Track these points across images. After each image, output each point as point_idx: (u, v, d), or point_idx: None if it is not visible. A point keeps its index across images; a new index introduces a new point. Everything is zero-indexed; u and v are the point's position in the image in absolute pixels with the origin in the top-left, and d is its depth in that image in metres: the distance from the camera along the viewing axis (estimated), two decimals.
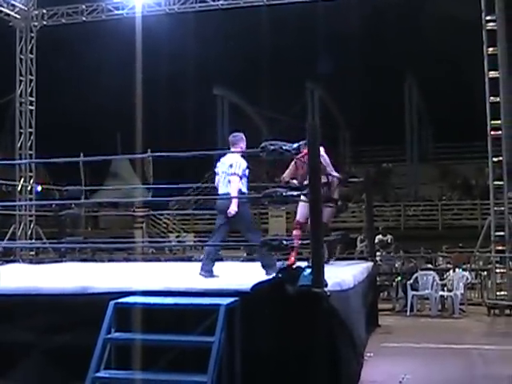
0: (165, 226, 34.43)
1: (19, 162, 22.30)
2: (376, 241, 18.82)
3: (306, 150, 10.69)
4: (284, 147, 8.42)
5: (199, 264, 10.12)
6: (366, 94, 34.67)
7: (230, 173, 9.68)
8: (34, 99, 23.29)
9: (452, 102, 33.46)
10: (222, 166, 9.91)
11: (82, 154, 17.09)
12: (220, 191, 9.87)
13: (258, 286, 7.74)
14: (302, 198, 10.58)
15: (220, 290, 7.84)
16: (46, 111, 23.94)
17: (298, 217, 12.00)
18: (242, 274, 10.24)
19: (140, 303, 7.54)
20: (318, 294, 7.59)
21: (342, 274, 9.39)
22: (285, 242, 8.50)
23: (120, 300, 7.54)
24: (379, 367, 9.79)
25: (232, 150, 9.92)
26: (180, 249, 26.21)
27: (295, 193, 8.62)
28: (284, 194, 8.46)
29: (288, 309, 7.57)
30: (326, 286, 7.75)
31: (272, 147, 8.40)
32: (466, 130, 32.54)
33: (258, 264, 9.75)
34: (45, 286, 8.65)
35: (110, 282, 8.59)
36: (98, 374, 7.10)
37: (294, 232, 11.97)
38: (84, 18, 22.80)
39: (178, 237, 32.85)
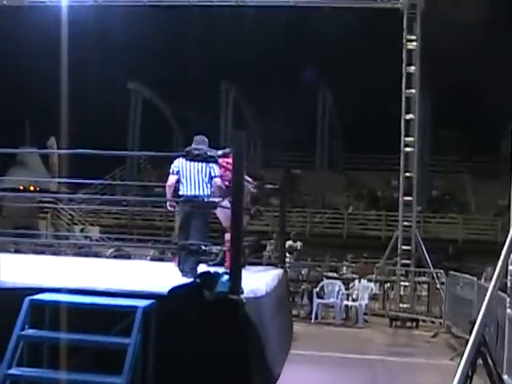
0: (70, 217, 34.00)
1: None
2: (286, 246, 18.99)
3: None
4: (208, 153, 8.48)
5: (110, 261, 10.08)
6: (279, 97, 34.96)
7: (212, 176, 9.71)
8: None
9: (364, 114, 34.04)
10: (189, 168, 9.72)
11: None
12: (189, 192, 9.67)
13: (176, 290, 7.78)
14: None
15: (137, 292, 7.81)
16: None
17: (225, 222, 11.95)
18: (156, 275, 10.21)
19: (56, 301, 7.47)
20: (235, 300, 7.67)
21: (255, 282, 9.45)
22: (203, 248, 8.56)
23: (35, 297, 7.45)
24: (289, 374, 9.88)
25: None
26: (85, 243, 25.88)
27: (217, 199, 8.66)
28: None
29: (204, 314, 7.63)
30: (242, 293, 7.84)
31: (196, 152, 8.46)
32: (374, 143, 33.21)
33: (171, 265, 9.76)
34: None
35: (25, 278, 8.43)
36: (10, 371, 7.00)
37: (226, 236, 11.97)
38: (5, 2, 22.34)
39: (82, 230, 32.52)
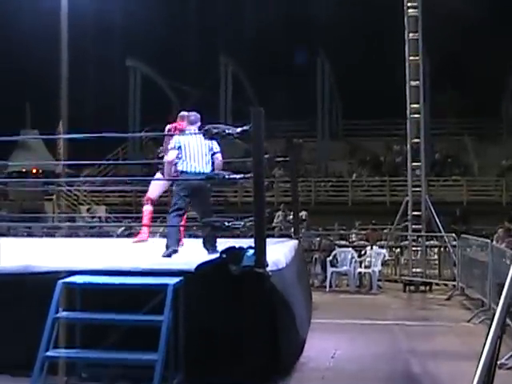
0: (75, 198, 34.09)
1: None
2: (290, 217, 19.15)
3: (178, 124, 11.05)
4: (227, 130, 8.61)
5: (126, 240, 10.20)
6: (278, 69, 35.01)
7: (214, 152, 9.75)
8: None
9: (362, 81, 34.05)
10: (193, 143, 9.69)
11: None
12: (192, 168, 9.59)
13: (203, 266, 7.93)
14: (158, 175, 11.34)
15: (165, 270, 7.98)
16: None
17: (151, 193, 11.90)
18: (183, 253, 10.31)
19: (88, 283, 7.63)
20: (261, 274, 7.84)
21: (275, 254, 9.59)
22: (226, 224, 8.71)
23: (67, 280, 7.61)
24: (309, 343, 10.04)
25: (193, 128, 9.90)
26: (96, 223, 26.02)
27: (237, 176, 8.79)
28: (227, 176, 8.66)
29: (232, 288, 7.80)
30: (267, 266, 8.00)
31: (215, 130, 8.58)
32: (374, 109, 33.31)
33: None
34: None
35: (54, 261, 8.59)
36: (48, 353, 7.17)
37: (146, 207, 11.97)
38: None
39: (89, 209, 32.61)
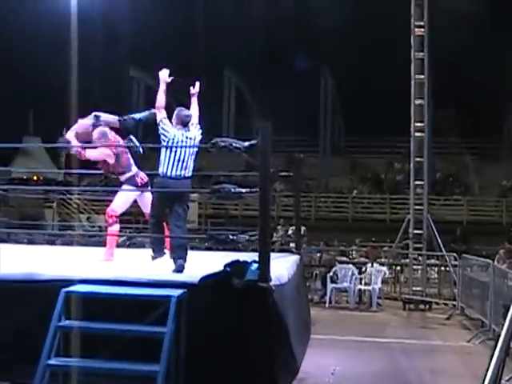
0: (75, 206, 34.09)
1: None
2: (290, 232, 19.15)
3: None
4: (234, 144, 8.61)
5: (128, 250, 10.10)
6: (280, 83, 35.07)
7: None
8: None
9: (365, 98, 34.15)
10: (182, 141, 8.96)
11: None
12: (174, 171, 8.86)
13: (206, 279, 7.92)
14: (125, 187, 10.29)
15: (168, 282, 7.96)
16: None
17: (117, 207, 10.43)
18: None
19: (91, 292, 7.62)
20: (265, 288, 7.82)
21: (278, 268, 9.57)
22: (231, 237, 8.71)
23: (71, 288, 7.58)
24: (309, 359, 10.02)
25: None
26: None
27: (243, 190, 8.76)
28: (233, 190, 8.64)
29: (234, 302, 7.77)
30: (271, 280, 7.99)
31: (222, 143, 8.58)
32: (376, 126, 33.35)
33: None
34: None
35: (56, 269, 8.58)
36: (50, 362, 7.14)
37: (111, 221, 10.55)
38: None
39: (89, 218, 32.61)
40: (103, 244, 11.43)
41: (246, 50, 34.73)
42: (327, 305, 17.19)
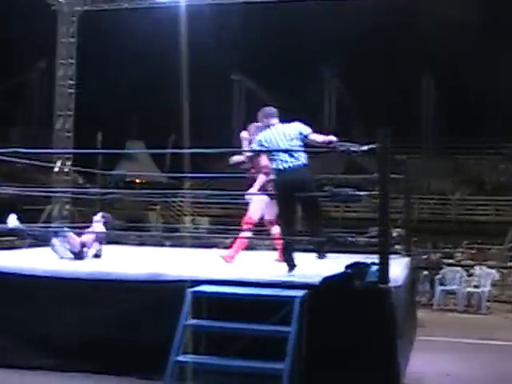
0: (179, 209, 34.68)
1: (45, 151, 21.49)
2: (394, 234, 19.06)
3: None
4: (352, 148, 8.75)
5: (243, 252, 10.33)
6: (382, 88, 35.04)
7: (306, 134, 9.04)
8: (73, 82, 23.35)
9: (467, 100, 33.85)
10: (275, 138, 8.96)
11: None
12: (285, 165, 8.89)
13: (328, 280, 8.07)
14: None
15: (289, 282, 8.17)
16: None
17: (254, 214, 10.58)
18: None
19: (217, 292, 7.88)
20: (384, 289, 7.94)
21: (394, 270, 9.66)
22: (349, 239, 8.85)
23: (197, 289, 7.86)
24: (423, 360, 10.05)
25: (275, 121, 9.22)
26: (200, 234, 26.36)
27: (362, 193, 8.91)
28: (350, 193, 8.79)
29: (355, 303, 7.90)
30: (390, 282, 8.11)
31: (342, 148, 8.75)
32: (479, 127, 33.01)
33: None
34: (117, 271, 8.94)
35: (180, 270, 8.90)
36: (179, 358, 7.43)
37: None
38: (126, 5, 22.60)
39: (193, 220, 33.13)
40: (227, 246, 11.60)
41: (351, 55, 34.86)
42: (435, 307, 17.15)
